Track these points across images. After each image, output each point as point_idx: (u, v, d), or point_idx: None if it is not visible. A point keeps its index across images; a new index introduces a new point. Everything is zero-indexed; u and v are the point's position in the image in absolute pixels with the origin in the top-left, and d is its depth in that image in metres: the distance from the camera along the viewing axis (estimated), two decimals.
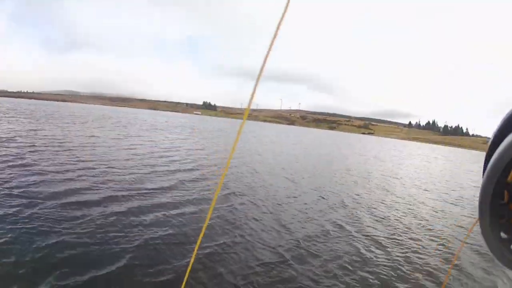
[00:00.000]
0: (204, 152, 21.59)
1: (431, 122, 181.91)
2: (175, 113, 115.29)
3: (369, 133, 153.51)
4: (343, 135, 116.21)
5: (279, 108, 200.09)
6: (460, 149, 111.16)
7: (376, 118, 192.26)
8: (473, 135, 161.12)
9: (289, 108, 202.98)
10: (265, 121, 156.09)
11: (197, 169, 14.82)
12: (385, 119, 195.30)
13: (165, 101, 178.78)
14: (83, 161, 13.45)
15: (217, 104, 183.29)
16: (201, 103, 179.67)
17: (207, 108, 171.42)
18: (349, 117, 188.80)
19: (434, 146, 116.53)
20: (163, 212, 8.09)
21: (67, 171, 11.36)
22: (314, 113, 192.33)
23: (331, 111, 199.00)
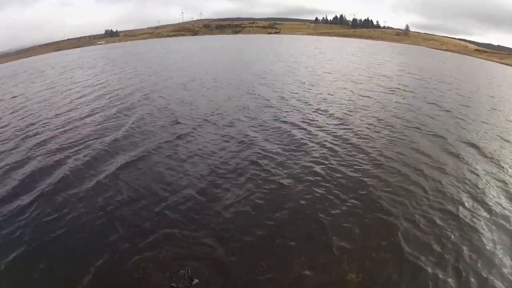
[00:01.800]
0: (138, 79, 21.55)
1: (338, 16, 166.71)
2: (80, 48, 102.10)
3: (275, 33, 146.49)
4: (249, 37, 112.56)
5: (181, 21, 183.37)
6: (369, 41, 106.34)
7: (282, 17, 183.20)
8: (384, 27, 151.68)
9: (191, 19, 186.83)
10: (168, 36, 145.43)
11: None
12: (291, 17, 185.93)
13: (68, 39, 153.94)
14: (21, 129, 12.39)
15: (119, 30, 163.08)
16: (103, 32, 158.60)
17: (110, 35, 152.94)
18: (253, 19, 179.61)
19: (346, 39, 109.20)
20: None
21: (15, 143, 10.67)
22: (218, 20, 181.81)
23: (234, 16, 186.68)
